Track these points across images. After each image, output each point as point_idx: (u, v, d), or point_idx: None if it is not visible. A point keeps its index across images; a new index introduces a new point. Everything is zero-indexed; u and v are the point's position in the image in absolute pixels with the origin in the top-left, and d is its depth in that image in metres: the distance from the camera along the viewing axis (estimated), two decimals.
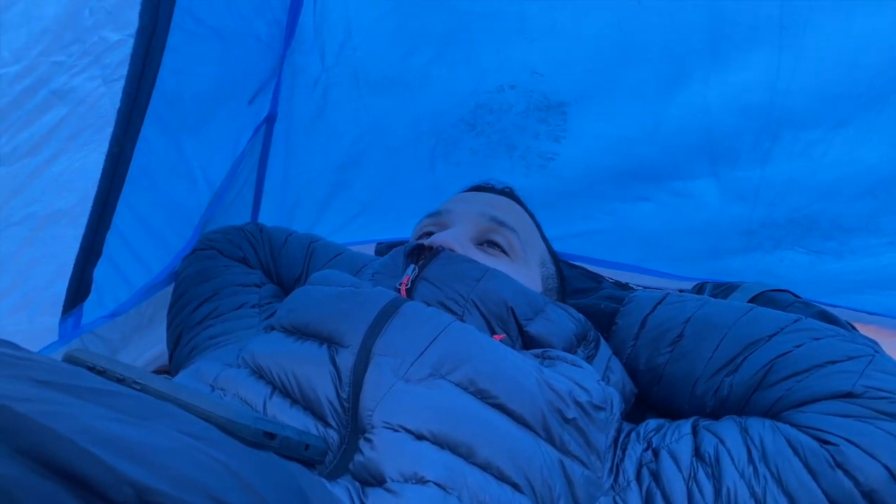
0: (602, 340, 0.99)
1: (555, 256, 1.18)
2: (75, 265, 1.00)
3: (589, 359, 0.93)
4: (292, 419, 0.72)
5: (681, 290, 1.54)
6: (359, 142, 1.38)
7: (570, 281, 1.48)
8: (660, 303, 0.99)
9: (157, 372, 1.37)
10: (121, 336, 1.27)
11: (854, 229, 1.25)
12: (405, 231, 1.37)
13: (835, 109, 1.13)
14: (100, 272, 1.06)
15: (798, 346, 0.82)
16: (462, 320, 0.87)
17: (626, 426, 0.84)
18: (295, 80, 1.27)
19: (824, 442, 0.72)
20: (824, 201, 1.25)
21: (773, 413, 0.79)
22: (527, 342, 0.92)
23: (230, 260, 1.26)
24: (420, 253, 0.98)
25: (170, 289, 1.27)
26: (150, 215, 1.14)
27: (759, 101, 1.15)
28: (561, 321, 0.95)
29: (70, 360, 0.63)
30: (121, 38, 0.87)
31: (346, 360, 0.75)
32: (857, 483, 0.69)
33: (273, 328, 0.89)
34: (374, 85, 1.28)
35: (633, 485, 0.76)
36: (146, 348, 1.35)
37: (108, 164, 0.93)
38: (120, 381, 0.58)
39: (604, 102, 1.25)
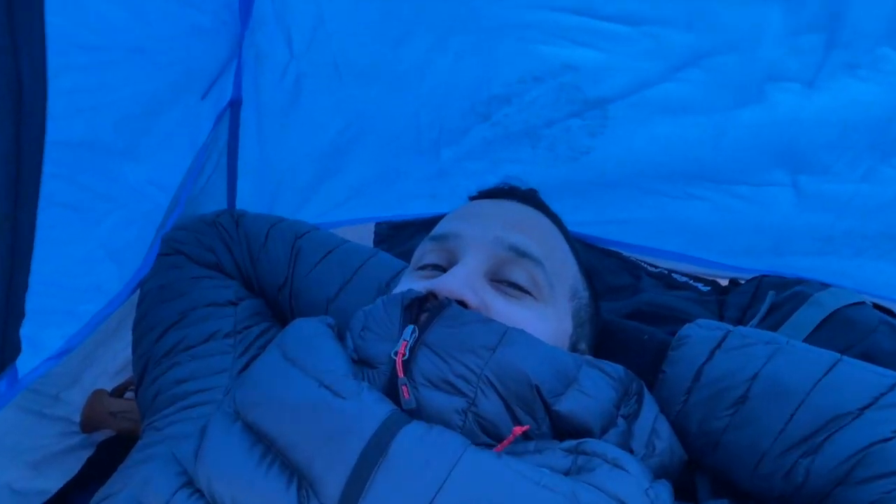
0: (646, 393, 0.80)
1: (587, 274, 0.95)
2: None
3: (630, 418, 0.76)
4: None
5: (732, 282, 1.34)
6: (346, 131, 1.14)
7: (603, 276, 1.27)
8: (718, 347, 0.80)
9: (128, 384, 1.25)
10: (82, 358, 1.13)
11: None
12: (407, 209, 1.16)
13: None
14: (29, 324, 0.90)
15: None
16: (474, 405, 0.69)
17: None
18: (260, 64, 1.02)
19: None
20: None
21: None
22: (555, 422, 0.73)
23: (201, 268, 1.08)
24: (421, 304, 0.78)
25: (136, 297, 1.11)
26: (90, 252, 0.95)
27: (866, 119, 0.87)
28: (598, 392, 0.74)
29: None
30: None
31: None
32: None
33: (237, 415, 0.72)
34: (360, 75, 1.01)
35: None
36: (113, 357, 1.23)
37: (3, 241, 0.73)
38: None
39: (659, 105, 0.97)
